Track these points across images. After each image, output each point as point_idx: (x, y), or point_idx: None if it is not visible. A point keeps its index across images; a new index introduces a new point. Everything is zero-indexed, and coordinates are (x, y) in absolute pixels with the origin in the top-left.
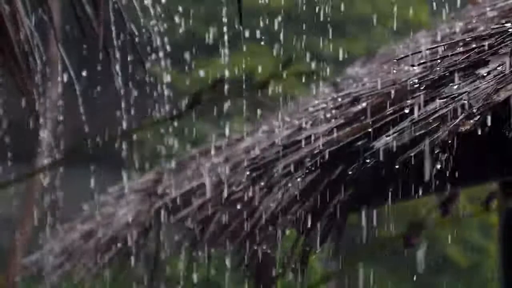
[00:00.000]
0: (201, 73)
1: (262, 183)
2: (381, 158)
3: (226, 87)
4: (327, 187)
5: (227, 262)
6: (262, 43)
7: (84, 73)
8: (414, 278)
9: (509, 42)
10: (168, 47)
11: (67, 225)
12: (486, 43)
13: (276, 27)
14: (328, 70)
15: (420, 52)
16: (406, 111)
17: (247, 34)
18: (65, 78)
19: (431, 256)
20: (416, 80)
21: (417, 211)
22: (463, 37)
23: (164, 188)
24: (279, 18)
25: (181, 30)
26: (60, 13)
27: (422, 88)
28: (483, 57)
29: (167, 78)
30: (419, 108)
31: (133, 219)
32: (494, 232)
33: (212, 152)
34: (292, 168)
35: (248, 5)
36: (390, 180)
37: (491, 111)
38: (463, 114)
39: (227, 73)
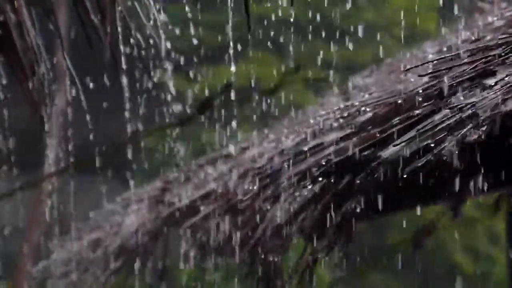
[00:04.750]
0: (209, 80)
1: (270, 192)
2: (388, 167)
3: (233, 94)
4: (334, 196)
5: (235, 271)
6: (270, 51)
7: (91, 81)
8: (422, 286)
9: None
10: (175, 55)
11: (75, 234)
12: (494, 53)
13: (283, 35)
14: (335, 78)
15: (427, 62)
16: (414, 121)
17: (255, 42)
18: (72, 87)
19: (439, 264)
20: (423, 90)
21: (426, 216)
22: (471, 47)
23: (171, 196)
24: (287, 27)
25: (188, 38)
26: (66, 22)
27: (429, 98)
28: (491, 67)
29: (175, 86)
30: (426, 118)
31: (141, 227)
32: (502, 240)
33: (220, 160)
34: (299, 177)
35: (256, 13)
36: (398, 190)
37: (499, 121)
38: (471, 124)
39: (234, 80)
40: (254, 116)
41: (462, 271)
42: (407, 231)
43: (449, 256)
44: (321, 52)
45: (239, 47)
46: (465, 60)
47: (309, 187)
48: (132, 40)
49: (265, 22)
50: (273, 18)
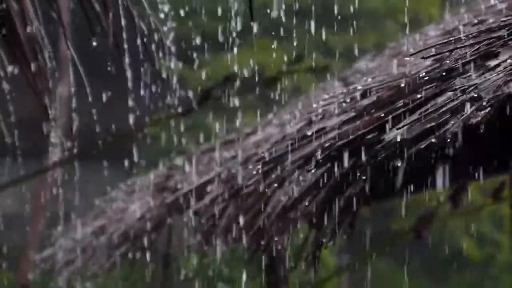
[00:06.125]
0: (212, 68)
1: (274, 177)
2: (392, 151)
3: (237, 82)
4: (338, 180)
5: (239, 256)
6: (272, 38)
7: (94, 69)
8: (427, 272)
9: None
10: (178, 43)
11: (79, 221)
12: (496, 35)
13: (286, 22)
14: (338, 64)
15: (430, 45)
16: (417, 104)
17: (257, 29)
18: (75, 75)
19: (444, 249)
20: (426, 73)
21: (429, 202)
22: (473, 29)
23: (175, 183)
24: (289, 13)
25: (191, 26)
26: (69, 10)
27: (432, 80)
28: (493, 49)
29: (177, 74)
30: (429, 101)
31: (145, 214)
32: (506, 224)
33: (224, 146)
34: (303, 161)
35: (259, 0)
36: (401, 173)
37: (501, 103)
38: (473, 106)
39: (237, 68)
40: (258, 103)
41: (467, 257)
42: (412, 216)
43: (453, 242)
44: (324, 38)
45: (242, 34)
46: (468, 43)
47: (313, 171)
48: (135, 28)
49: (268, 9)
50: (276, 4)
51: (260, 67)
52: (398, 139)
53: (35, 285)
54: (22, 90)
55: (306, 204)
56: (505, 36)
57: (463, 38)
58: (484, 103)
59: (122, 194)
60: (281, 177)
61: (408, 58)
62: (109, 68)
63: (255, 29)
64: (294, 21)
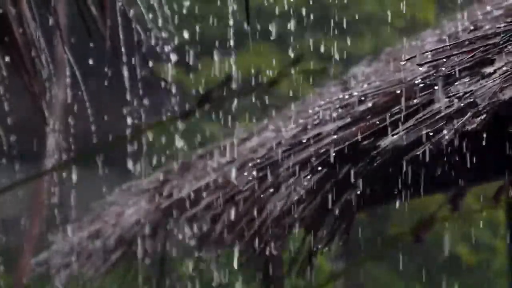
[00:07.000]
0: (209, 72)
1: (269, 182)
2: (388, 156)
3: (234, 86)
4: (334, 186)
5: (235, 262)
6: (270, 42)
7: (91, 73)
8: (422, 277)
9: None
10: (175, 47)
11: (75, 225)
12: (492, 41)
13: (283, 26)
14: (335, 69)
15: (426, 51)
16: (413, 110)
17: (254, 33)
18: (72, 79)
19: (439, 255)
20: (422, 79)
21: (426, 207)
22: (469, 36)
23: (171, 187)
24: (287, 18)
25: (188, 30)
26: (66, 13)
27: (428, 87)
28: (489, 56)
29: (175, 78)
30: (425, 107)
31: (141, 218)
32: (502, 230)
33: (219, 151)
34: (299, 167)
35: (256, 4)
36: (397, 179)
37: (497, 109)
38: (469, 112)
39: (234, 72)
40: (254, 108)
41: (462, 262)
42: (407, 221)
43: (449, 247)
44: (321, 43)
45: (239, 38)
46: (464, 49)
47: (309, 177)
48: (132, 32)
49: (265, 13)
50: (273, 9)
51: (257, 71)
52: (394, 145)
53: None
54: (18, 93)
55: (302, 209)
56: (501, 43)
57: (459, 45)
58: (480, 110)
59: (118, 198)
60: (277, 182)
61: (404, 64)
62: (106, 72)
63: (250, 33)
64: (293, 26)
